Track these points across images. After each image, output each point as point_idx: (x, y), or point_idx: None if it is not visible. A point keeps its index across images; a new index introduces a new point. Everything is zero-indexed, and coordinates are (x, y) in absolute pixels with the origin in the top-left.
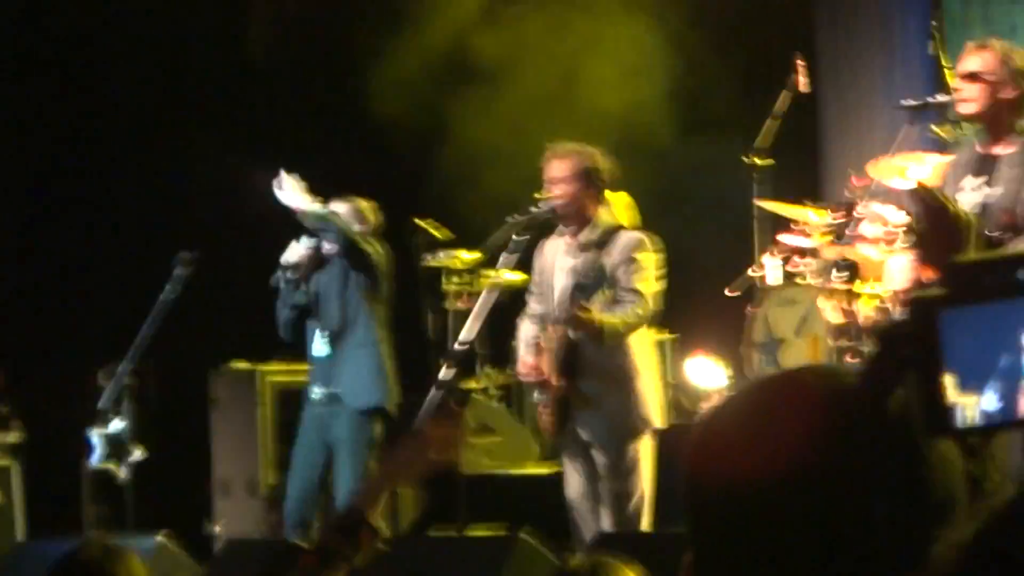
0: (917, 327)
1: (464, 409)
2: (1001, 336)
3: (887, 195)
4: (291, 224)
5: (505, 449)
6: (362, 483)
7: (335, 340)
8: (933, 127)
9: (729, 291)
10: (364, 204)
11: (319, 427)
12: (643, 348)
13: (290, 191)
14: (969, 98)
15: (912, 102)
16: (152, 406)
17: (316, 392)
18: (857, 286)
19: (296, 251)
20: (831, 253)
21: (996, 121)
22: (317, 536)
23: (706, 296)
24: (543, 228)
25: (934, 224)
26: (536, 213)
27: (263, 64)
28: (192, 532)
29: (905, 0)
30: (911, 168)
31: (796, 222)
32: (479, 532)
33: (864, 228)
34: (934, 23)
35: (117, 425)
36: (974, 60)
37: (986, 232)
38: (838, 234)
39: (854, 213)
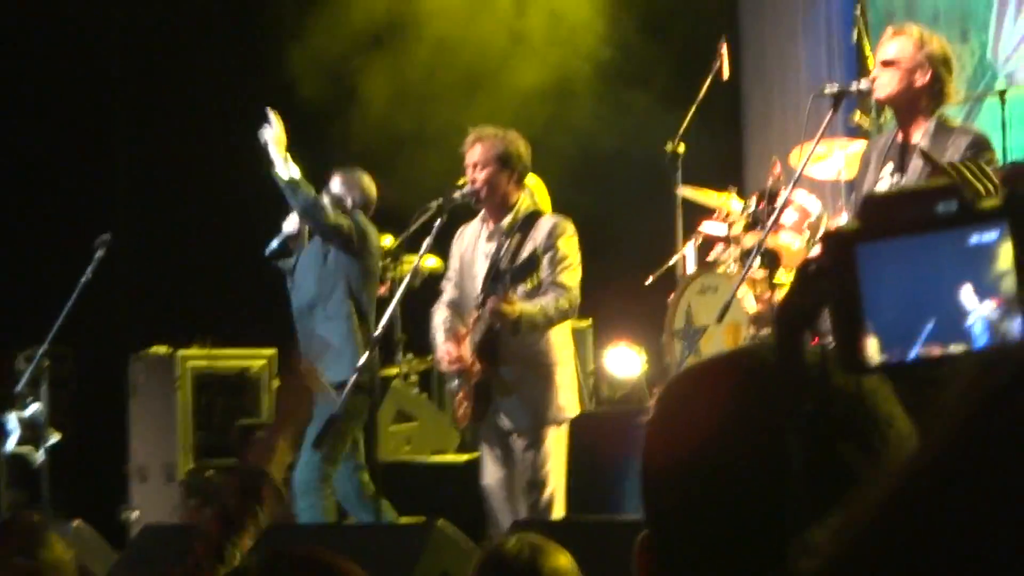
0: (833, 260)
1: (304, 362)
2: (918, 272)
3: (808, 183)
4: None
5: (424, 437)
6: (254, 441)
7: (306, 314)
8: (853, 116)
9: (648, 280)
10: (366, 177)
11: None
12: (562, 336)
13: (271, 136)
14: (884, 83)
15: (832, 89)
16: (70, 390)
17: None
18: (777, 276)
19: (292, 221)
20: (751, 240)
21: (910, 107)
22: (216, 504)
23: (626, 284)
24: (464, 212)
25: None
26: (455, 198)
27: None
28: (108, 518)
29: None
30: (832, 155)
31: (717, 210)
32: (395, 520)
33: (784, 216)
34: (858, 10)
35: (34, 408)
36: (890, 45)
37: None
38: (757, 221)
39: (775, 201)
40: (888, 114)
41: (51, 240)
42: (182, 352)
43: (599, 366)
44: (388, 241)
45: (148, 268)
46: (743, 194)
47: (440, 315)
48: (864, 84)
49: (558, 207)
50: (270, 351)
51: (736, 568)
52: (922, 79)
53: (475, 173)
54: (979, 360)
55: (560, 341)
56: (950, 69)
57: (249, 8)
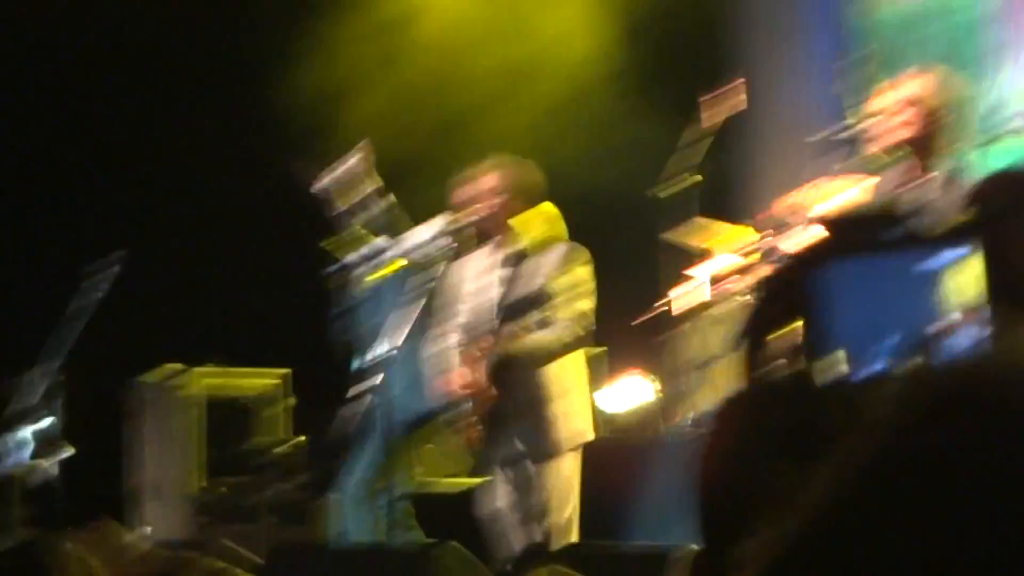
0: (791, 281)
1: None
2: (880, 289)
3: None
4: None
5: (437, 459)
6: None
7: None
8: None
9: (635, 322)
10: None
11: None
12: (574, 362)
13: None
14: (902, 124)
15: (844, 131)
16: (81, 406)
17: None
18: None
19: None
20: (765, 271)
21: (927, 147)
22: None
23: (637, 312)
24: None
25: None
26: (461, 225)
27: (185, 63)
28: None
29: (837, 28)
30: (845, 191)
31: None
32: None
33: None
34: (868, 51)
35: (48, 422)
36: (910, 85)
37: None
38: (766, 253)
39: (788, 233)
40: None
41: (58, 259)
42: (192, 371)
43: (609, 392)
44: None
45: (161, 286)
46: (748, 224)
47: (439, 346)
48: (850, 131)
49: (574, 234)
50: (283, 371)
51: None
52: (942, 120)
53: (491, 200)
54: (904, 384)
55: (573, 367)
56: (968, 110)
57: (256, 28)
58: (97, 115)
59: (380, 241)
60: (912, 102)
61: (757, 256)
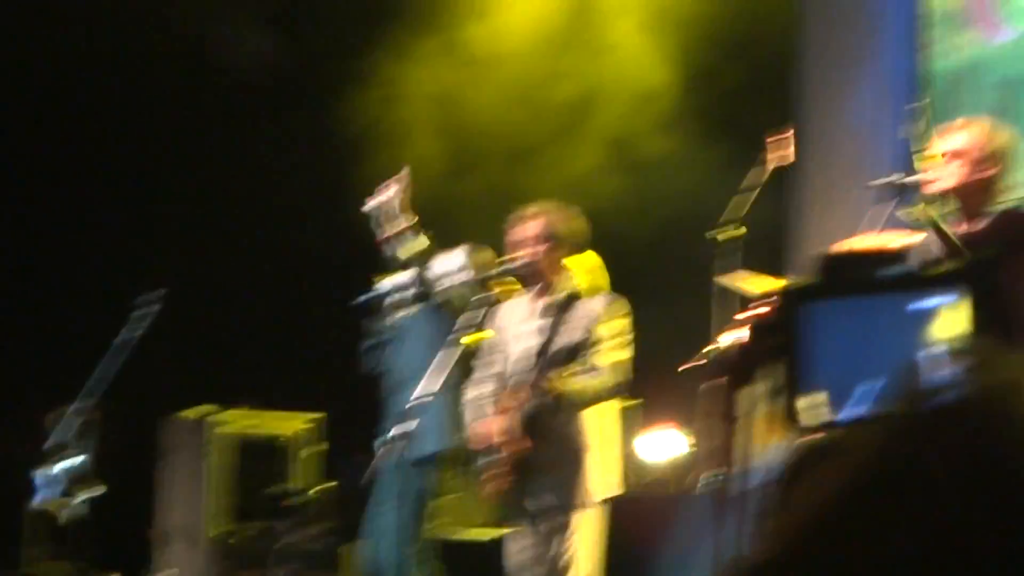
0: (782, 316)
1: None
2: (866, 331)
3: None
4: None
5: (459, 509)
6: None
7: (410, 382)
8: (915, 206)
9: (682, 368)
10: (483, 255)
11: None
12: (607, 415)
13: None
14: (950, 174)
15: (893, 180)
16: (107, 446)
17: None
18: None
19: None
20: None
21: (974, 199)
22: None
23: (672, 365)
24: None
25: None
26: (505, 271)
27: (231, 102)
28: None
29: (893, 78)
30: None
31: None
32: None
33: None
34: (920, 104)
35: (68, 462)
36: (958, 136)
37: None
38: None
39: None
40: (937, 208)
41: (91, 296)
42: (214, 416)
43: (642, 445)
44: None
45: (194, 326)
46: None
47: (473, 391)
48: (913, 177)
49: (617, 282)
50: (317, 415)
51: None
52: (989, 172)
53: (533, 247)
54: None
55: (605, 421)
56: (1011, 160)
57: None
58: (143, 153)
59: (407, 275)
60: (957, 154)
61: None
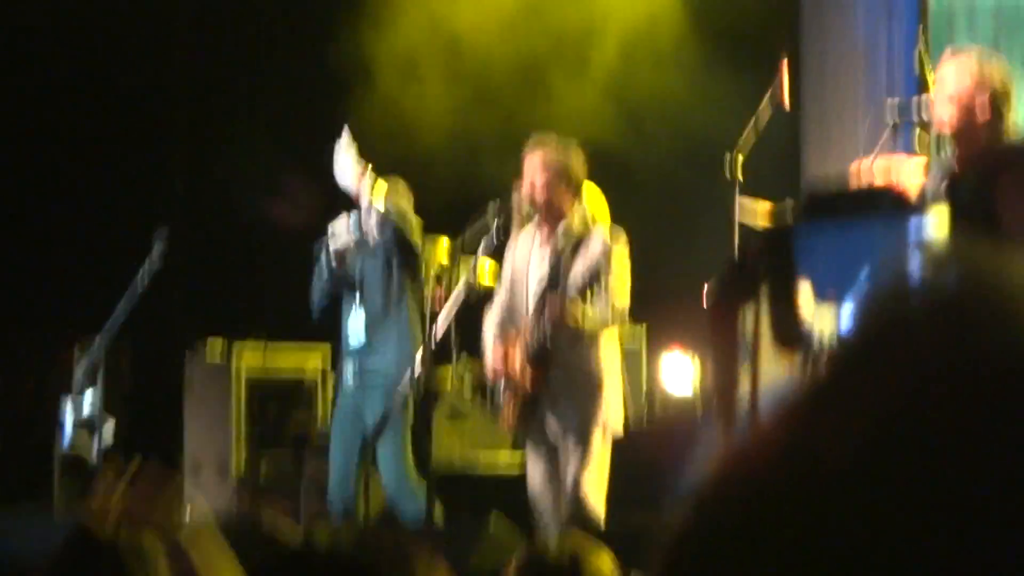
0: (771, 243)
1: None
2: (850, 251)
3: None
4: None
5: (476, 435)
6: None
7: (374, 325)
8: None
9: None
10: (403, 184)
11: (353, 414)
12: (611, 347)
13: (346, 167)
14: (944, 118)
15: (894, 103)
16: (125, 383)
17: (350, 378)
18: None
19: (342, 236)
20: None
21: (970, 141)
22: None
23: (683, 292)
24: (517, 219)
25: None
26: (512, 202)
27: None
28: None
29: (891, 5)
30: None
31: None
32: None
33: None
34: (919, 30)
35: (89, 405)
36: (949, 79)
37: None
38: None
39: None
40: (947, 147)
41: (108, 232)
42: (236, 350)
43: (652, 382)
44: (444, 244)
45: (206, 260)
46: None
47: (490, 319)
48: (924, 115)
49: (616, 211)
50: (325, 345)
51: None
52: (983, 116)
53: (533, 179)
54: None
55: (609, 351)
56: (1010, 102)
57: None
58: (148, 90)
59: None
60: (951, 99)
61: None
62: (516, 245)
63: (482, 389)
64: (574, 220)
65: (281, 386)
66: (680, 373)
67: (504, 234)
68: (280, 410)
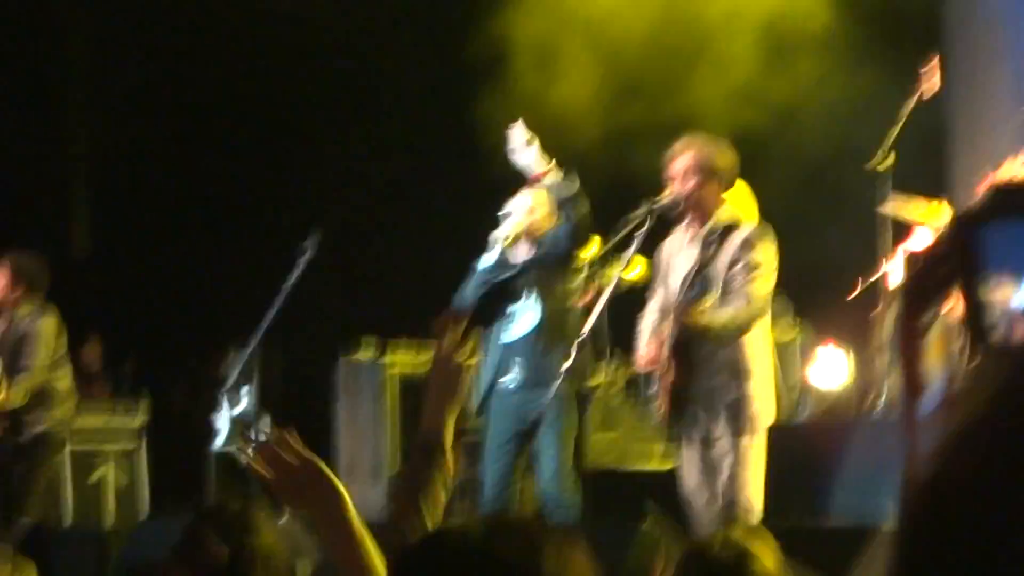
0: (956, 243)
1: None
2: None
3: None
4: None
5: (627, 445)
6: (425, 415)
7: (543, 324)
8: None
9: (850, 296)
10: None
11: (515, 412)
12: (759, 344)
13: (523, 149)
14: None
15: None
16: (277, 388)
17: (511, 379)
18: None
19: (516, 223)
20: None
21: None
22: (403, 477)
23: (838, 292)
24: (667, 221)
25: None
26: (662, 204)
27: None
28: None
29: None
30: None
31: (920, 224)
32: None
33: None
34: None
35: (243, 405)
36: None
37: None
38: None
39: None
40: None
41: (259, 242)
42: (388, 356)
43: (805, 378)
44: (596, 241)
45: (355, 266)
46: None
47: (644, 321)
48: None
49: (768, 212)
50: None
51: None
52: None
53: (682, 180)
54: None
55: (756, 349)
56: None
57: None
58: (298, 99)
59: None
60: None
61: None
62: (667, 243)
63: (635, 385)
64: (722, 218)
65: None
66: (834, 367)
67: (655, 232)
68: None
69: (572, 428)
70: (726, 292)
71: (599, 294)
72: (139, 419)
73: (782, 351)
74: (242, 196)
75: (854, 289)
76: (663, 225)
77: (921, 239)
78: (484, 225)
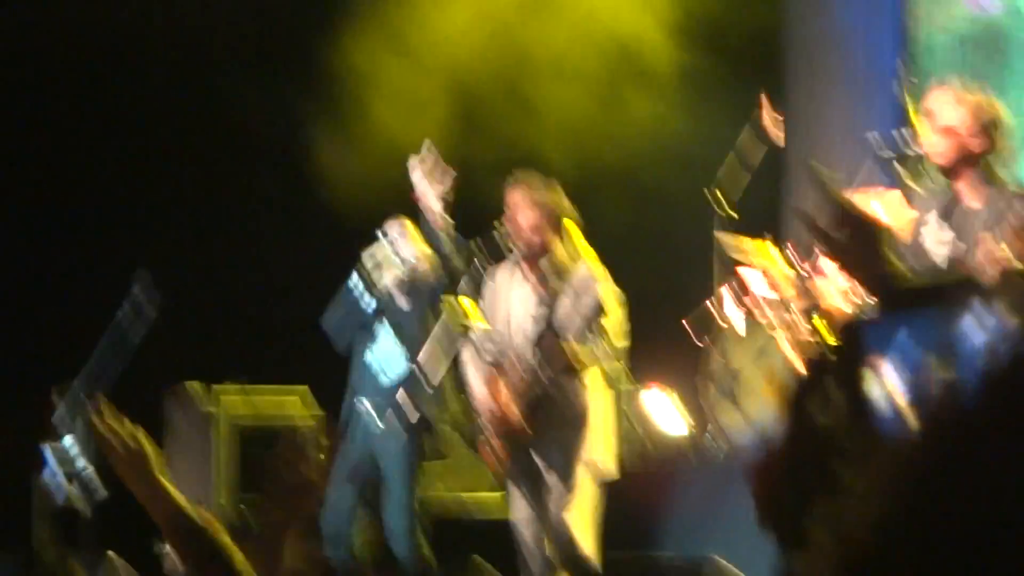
0: (844, 345)
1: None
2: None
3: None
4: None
5: (457, 473)
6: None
7: (409, 363)
8: (897, 168)
9: (687, 322)
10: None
11: (369, 451)
12: (595, 384)
13: (432, 188)
14: (940, 151)
15: (887, 154)
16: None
17: (368, 403)
18: (816, 319)
19: (390, 272)
20: (802, 305)
21: (966, 172)
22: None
23: (661, 329)
24: (496, 254)
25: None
26: (491, 239)
27: (227, 84)
28: (142, 552)
29: (873, 37)
30: (870, 203)
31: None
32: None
33: (822, 263)
34: (901, 61)
35: (68, 442)
36: (945, 112)
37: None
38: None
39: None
40: (941, 179)
41: (89, 275)
42: (216, 388)
43: (642, 420)
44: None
45: (185, 303)
46: (778, 243)
47: (467, 352)
48: (918, 149)
49: (597, 247)
50: (301, 388)
51: None
52: (980, 146)
53: (518, 217)
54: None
55: (595, 388)
56: (1004, 131)
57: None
58: (130, 129)
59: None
60: (947, 131)
61: (791, 289)
62: (495, 282)
63: (461, 428)
64: (556, 257)
65: (269, 432)
66: (661, 409)
67: (482, 271)
68: (262, 453)
69: (418, 462)
70: (570, 330)
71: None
72: None
73: (623, 398)
74: (71, 225)
75: (689, 318)
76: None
77: (752, 278)
78: (319, 264)
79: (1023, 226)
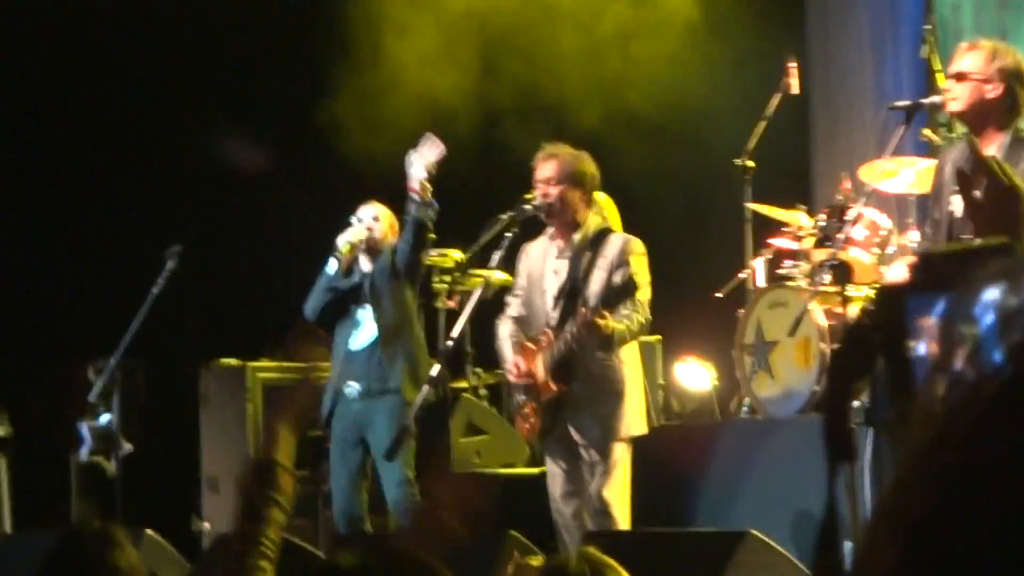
0: (884, 315)
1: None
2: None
3: (877, 199)
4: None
5: (494, 449)
6: (263, 433)
7: (385, 339)
8: (924, 131)
9: (719, 294)
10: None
11: (355, 422)
12: (631, 355)
13: (422, 161)
14: (956, 97)
15: (903, 103)
16: (140, 401)
17: (352, 387)
18: (849, 289)
19: (357, 231)
20: (821, 255)
21: (983, 121)
22: (237, 498)
23: (696, 298)
24: (530, 227)
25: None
26: (525, 212)
27: (255, 65)
28: (180, 528)
29: (897, 4)
30: (901, 171)
31: (787, 224)
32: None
33: (854, 232)
34: (927, 27)
35: (105, 418)
36: (963, 60)
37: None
38: (827, 237)
39: (844, 216)
40: (960, 128)
41: (122, 250)
42: (252, 363)
43: (669, 380)
44: (456, 254)
45: (218, 279)
46: (811, 211)
47: (505, 328)
48: (935, 98)
49: (628, 221)
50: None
51: None
52: (994, 92)
53: (547, 189)
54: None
55: (630, 360)
56: (1023, 82)
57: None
58: (161, 103)
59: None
60: (961, 76)
61: (812, 241)
62: (529, 255)
63: (498, 401)
64: (590, 229)
65: None
66: (696, 376)
67: (516, 244)
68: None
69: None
70: (609, 301)
71: (465, 299)
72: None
73: (645, 352)
74: (103, 203)
75: (719, 290)
76: (528, 232)
77: (785, 242)
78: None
79: None
